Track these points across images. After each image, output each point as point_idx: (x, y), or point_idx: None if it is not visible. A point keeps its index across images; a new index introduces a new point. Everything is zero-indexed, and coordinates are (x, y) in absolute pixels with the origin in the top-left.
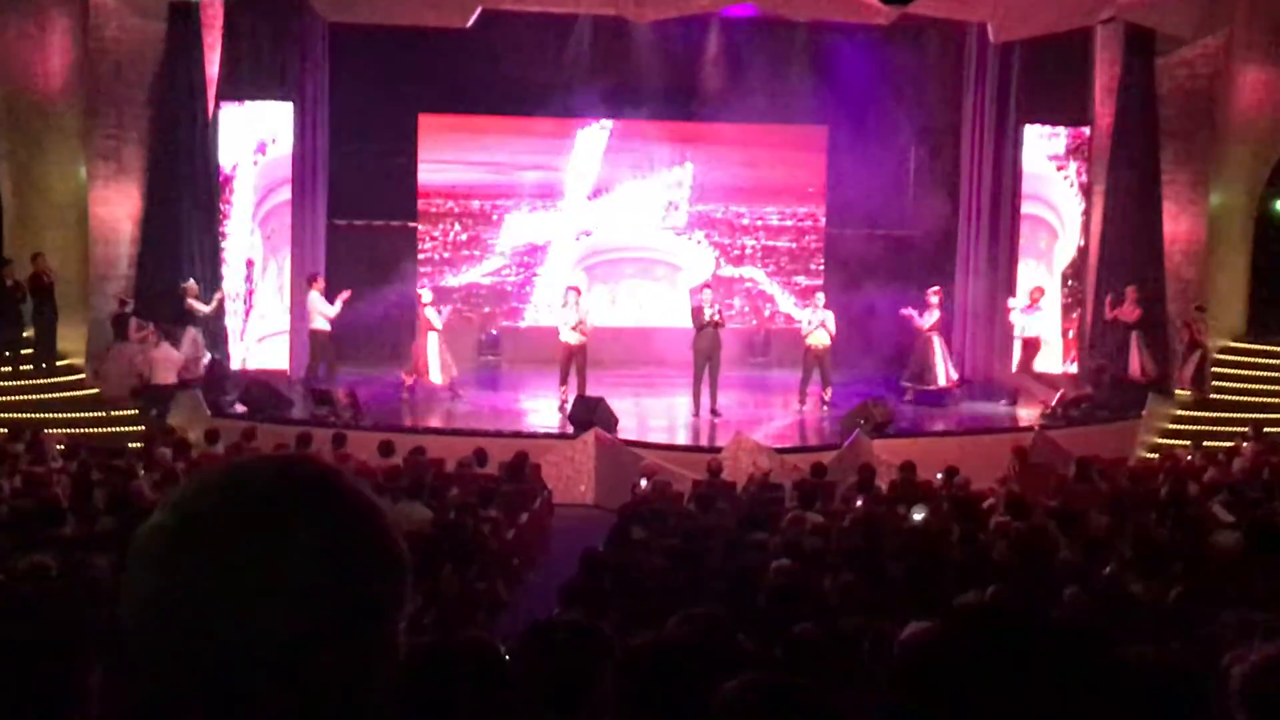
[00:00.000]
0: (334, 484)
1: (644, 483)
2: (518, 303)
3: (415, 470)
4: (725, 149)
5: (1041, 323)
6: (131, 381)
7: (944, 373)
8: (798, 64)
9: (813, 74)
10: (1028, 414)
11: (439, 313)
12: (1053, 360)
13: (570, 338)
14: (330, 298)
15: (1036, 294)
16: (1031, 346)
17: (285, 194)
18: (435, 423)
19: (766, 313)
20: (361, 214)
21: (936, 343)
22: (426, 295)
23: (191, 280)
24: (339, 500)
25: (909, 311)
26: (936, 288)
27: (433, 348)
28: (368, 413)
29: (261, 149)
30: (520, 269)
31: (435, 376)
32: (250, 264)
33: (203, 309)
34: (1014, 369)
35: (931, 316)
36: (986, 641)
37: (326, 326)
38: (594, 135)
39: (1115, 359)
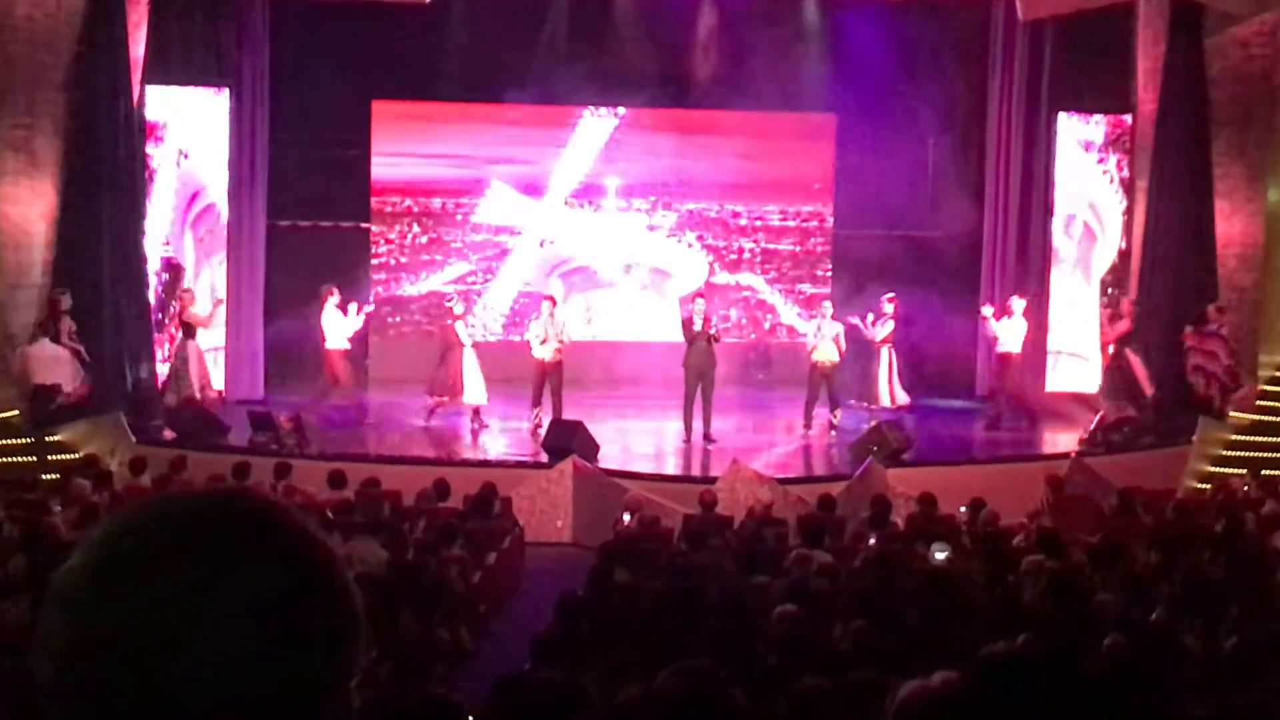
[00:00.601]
0: (277, 520)
1: (628, 518)
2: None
3: (369, 504)
4: (720, 140)
5: (1014, 336)
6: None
7: (888, 392)
8: (802, 43)
9: (819, 55)
10: (1063, 439)
11: (467, 325)
12: (1090, 378)
13: (544, 353)
14: (344, 308)
15: (1008, 303)
16: (1005, 363)
17: (220, 191)
18: (391, 450)
19: (767, 325)
20: (307, 214)
21: (886, 357)
22: (458, 306)
23: (190, 286)
24: (282, 539)
25: (856, 320)
26: (892, 295)
27: (470, 364)
28: (314, 439)
29: (193, 140)
30: (488, 276)
31: (477, 397)
32: (175, 269)
33: (200, 316)
34: (1002, 386)
35: (885, 327)
36: (1016, 695)
37: (344, 345)
38: (573, 125)
39: (1120, 378)
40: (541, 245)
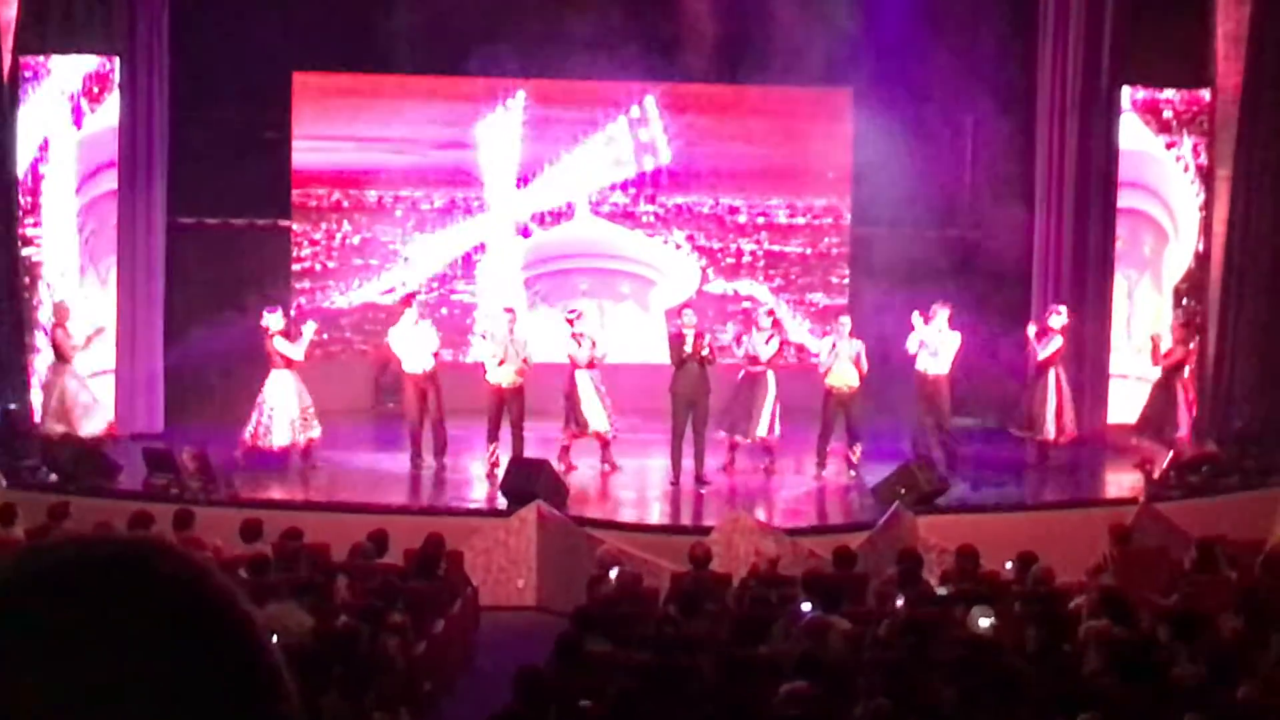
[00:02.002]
0: (182, 576)
1: (615, 574)
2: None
3: (290, 560)
4: (714, 120)
5: (939, 357)
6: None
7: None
8: (812, 3)
9: (833, 17)
10: (1129, 480)
11: (580, 344)
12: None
13: (501, 378)
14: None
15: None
16: (930, 389)
17: (110, 181)
18: (317, 495)
19: (772, 343)
20: (215, 209)
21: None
22: (580, 324)
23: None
24: (189, 599)
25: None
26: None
27: (587, 389)
28: (223, 481)
29: (78, 120)
30: (434, 284)
31: (601, 425)
32: (54, 276)
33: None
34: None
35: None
36: None
37: (426, 366)
38: (530, 102)
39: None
40: (499, 247)
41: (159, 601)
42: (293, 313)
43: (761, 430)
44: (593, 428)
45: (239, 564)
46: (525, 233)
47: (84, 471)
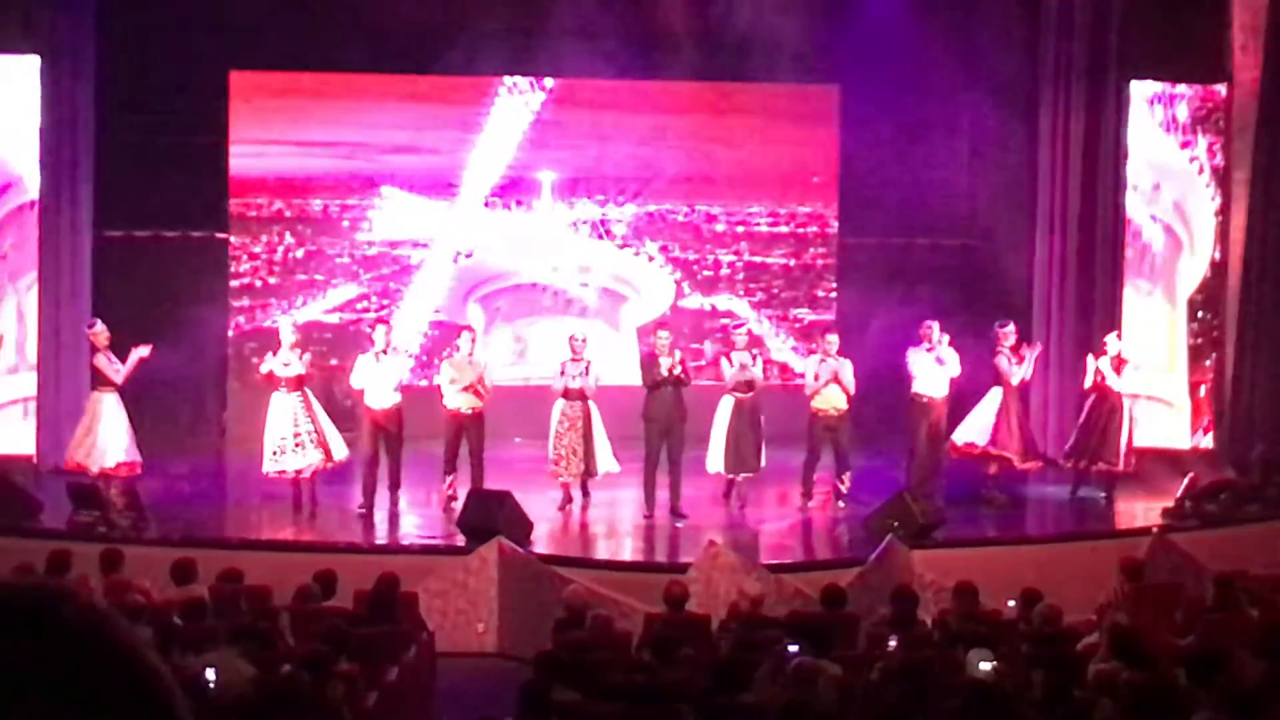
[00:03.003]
0: (83, 624)
1: (608, 617)
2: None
3: (228, 604)
4: (690, 120)
5: (941, 380)
6: None
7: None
8: None
9: (819, 7)
10: (1141, 509)
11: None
12: (1178, 428)
13: (459, 402)
14: (123, 356)
15: (931, 328)
16: (935, 415)
17: (31, 192)
18: (257, 533)
19: (753, 364)
20: (145, 221)
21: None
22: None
23: None
24: (90, 649)
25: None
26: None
27: (598, 425)
28: (154, 518)
29: None
30: (385, 301)
31: (611, 464)
32: None
33: None
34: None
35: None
36: None
37: (389, 402)
38: (496, 102)
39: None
40: (456, 260)
41: (55, 651)
42: (230, 333)
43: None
44: (602, 469)
45: (173, 608)
46: (482, 246)
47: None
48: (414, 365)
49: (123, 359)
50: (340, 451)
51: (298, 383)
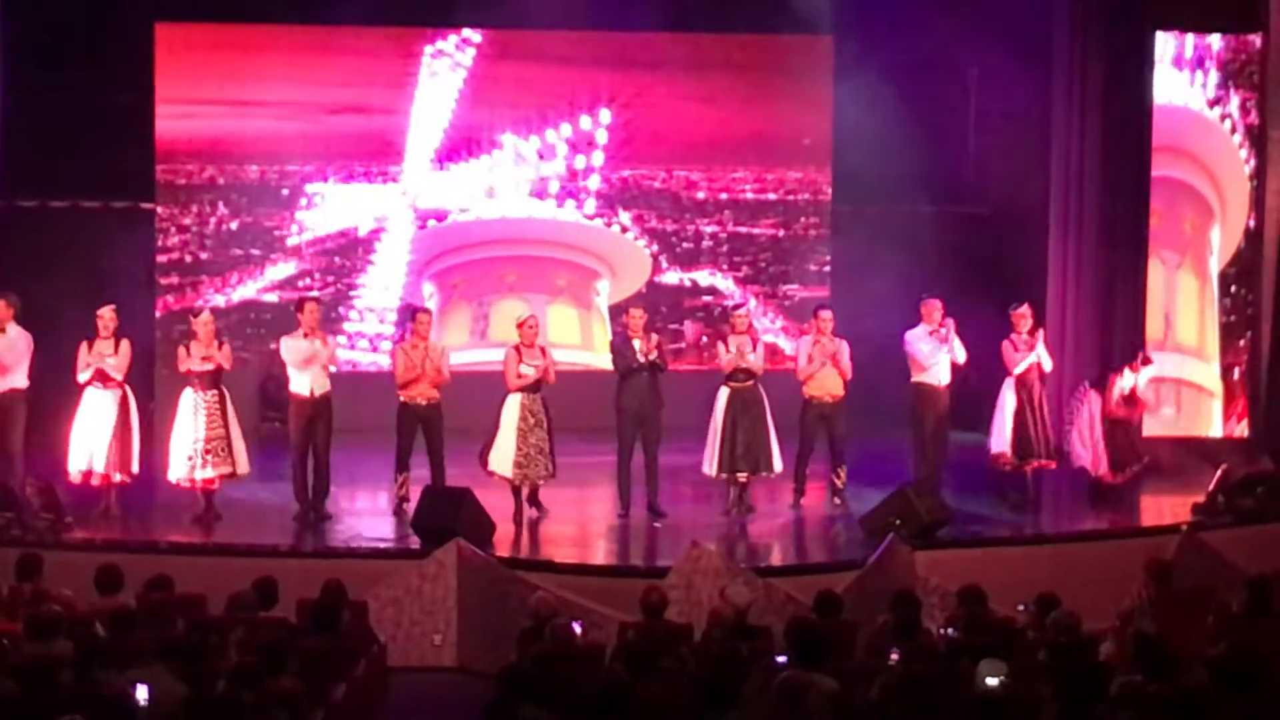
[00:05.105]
0: None
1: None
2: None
3: (157, 614)
4: (668, 77)
5: (944, 366)
6: None
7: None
8: None
9: None
10: (1169, 505)
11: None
12: (1208, 416)
13: (416, 393)
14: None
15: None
16: (942, 403)
17: None
18: (187, 535)
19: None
20: (61, 189)
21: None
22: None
23: None
24: None
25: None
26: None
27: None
28: (76, 519)
29: None
30: (331, 278)
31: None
32: None
33: None
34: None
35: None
36: None
37: (319, 389)
38: (449, 59)
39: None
40: (408, 232)
41: None
42: (157, 314)
43: (777, 459)
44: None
45: (95, 618)
46: (440, 215)
47: None
48: (362, 347)
49: (36, 344)
50: (243, 466)
51: (214, 379)
